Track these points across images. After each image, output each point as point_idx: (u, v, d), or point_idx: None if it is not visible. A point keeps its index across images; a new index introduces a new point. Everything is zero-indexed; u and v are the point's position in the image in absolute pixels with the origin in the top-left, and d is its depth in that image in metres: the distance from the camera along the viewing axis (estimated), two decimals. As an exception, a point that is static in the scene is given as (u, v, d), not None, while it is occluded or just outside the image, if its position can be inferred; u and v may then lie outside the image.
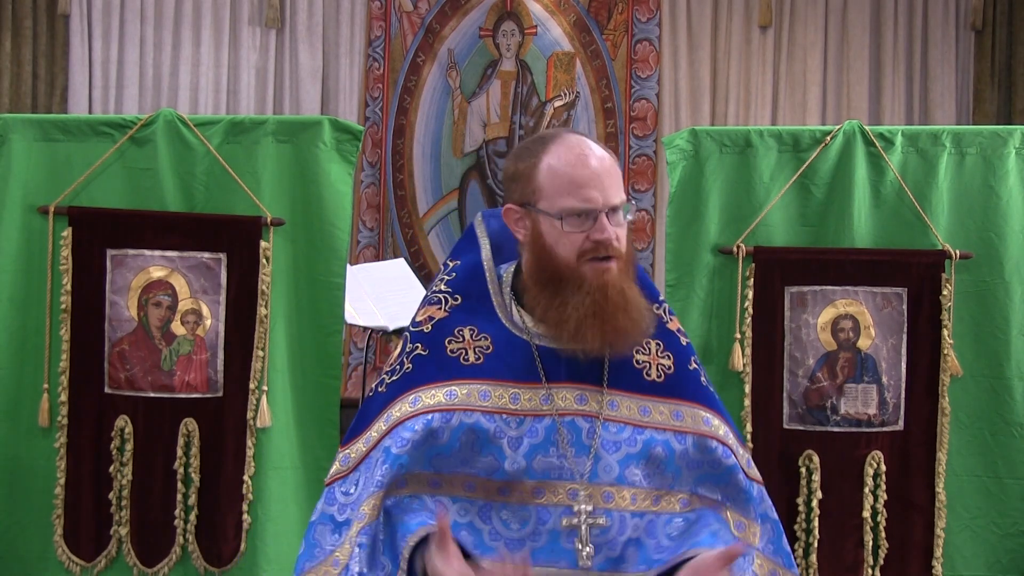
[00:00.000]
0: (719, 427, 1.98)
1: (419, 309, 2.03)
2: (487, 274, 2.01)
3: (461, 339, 1.95)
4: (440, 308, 1.99)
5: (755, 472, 2.04)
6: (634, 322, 1.90)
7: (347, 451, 2.00)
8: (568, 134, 1.94)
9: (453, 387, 1.91)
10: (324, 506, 1.96)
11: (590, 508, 1.87)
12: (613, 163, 1.91)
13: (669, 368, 1.98)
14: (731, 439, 2.00)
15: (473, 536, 1.88)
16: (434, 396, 1.91)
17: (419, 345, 1.97)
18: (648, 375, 1.96)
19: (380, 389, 1.99)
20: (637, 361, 1.96)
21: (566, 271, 1.88)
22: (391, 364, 2.01)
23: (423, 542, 1.84)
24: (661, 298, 2.05)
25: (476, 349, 1.94)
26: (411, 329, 2.00)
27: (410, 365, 1.96)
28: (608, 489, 1.90)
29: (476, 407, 1.89)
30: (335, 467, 2.00)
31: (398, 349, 2.03)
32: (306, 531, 1.96)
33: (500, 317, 1.97)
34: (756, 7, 6.86)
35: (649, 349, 1.98)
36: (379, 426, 1.94)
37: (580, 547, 1.86)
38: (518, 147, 2.04)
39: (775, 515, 2.04)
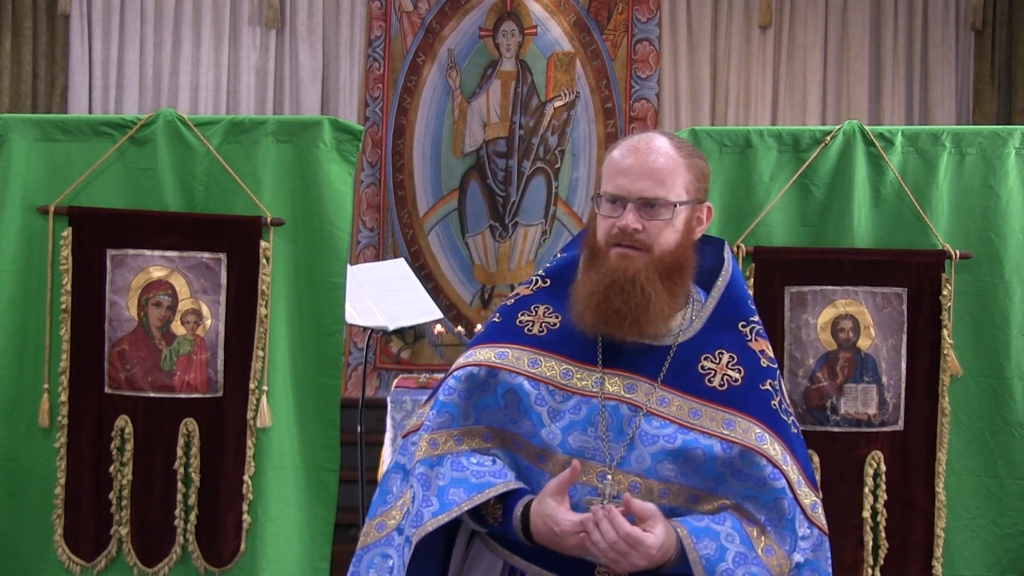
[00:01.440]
0: (773, 448, 1.95)
1: (514, 291, 2.18)
2: (580, 264, 2.08)
3: (534, 313, 2.07)
4: (529, 287, 2.12)
5: (819, 519, 1.99)
6: (633, 310, 1.93)
7: (423, 408, 2.13)
8: (648, 132, 2.04)
9: (506, 349, 2.02)
10: (398, 457, 2.09)
11: (615, 493, 1.91)
12: (670, 162, 1.97)
13: (736, 381, 1.99)
14: (789, 468, 1.96)
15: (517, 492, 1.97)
16: (486, 353, 2.03)
17: (497, 315, 2.11)
18: (710, 382, 1.98)
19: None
20: (702, 367, 1.99)
21: (598, 252, 1.99)
22: (476, 334, 2.17)
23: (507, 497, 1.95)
24: (754, 319, 2.06)
25: (543, 324, 2.05)
26: (500, 305, 2.15)
27: (482, 329, 2.11)
28: (636, 479, 1.93)
29: (522, 371, 1.99)
30: (411, 422, 2.14)
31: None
32: (380, 481, 2.10)
33: None
34: (756, 7, 6.86)
35: (720, 359, 2.00)
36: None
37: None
38: None
39: (829, 569, 1.99)
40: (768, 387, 2.01)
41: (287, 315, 3.46)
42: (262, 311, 3.41)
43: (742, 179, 3.44)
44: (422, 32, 6.80)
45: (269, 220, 3.42)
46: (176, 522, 3.41)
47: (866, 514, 3.37)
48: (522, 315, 2.06)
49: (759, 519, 1.93)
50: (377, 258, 6.72)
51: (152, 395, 3.41)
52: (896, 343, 3.38)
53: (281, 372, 3.46)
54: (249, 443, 3.41)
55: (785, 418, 2.01)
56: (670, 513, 1.92)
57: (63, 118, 3.63)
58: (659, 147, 1.98)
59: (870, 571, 3.36)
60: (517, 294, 2.11)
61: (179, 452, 3.40)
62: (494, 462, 1.99)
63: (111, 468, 3.40)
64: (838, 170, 3.42)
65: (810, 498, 1.99)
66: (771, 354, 2.06)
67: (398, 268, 5.05)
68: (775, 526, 1.93)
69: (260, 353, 3.41)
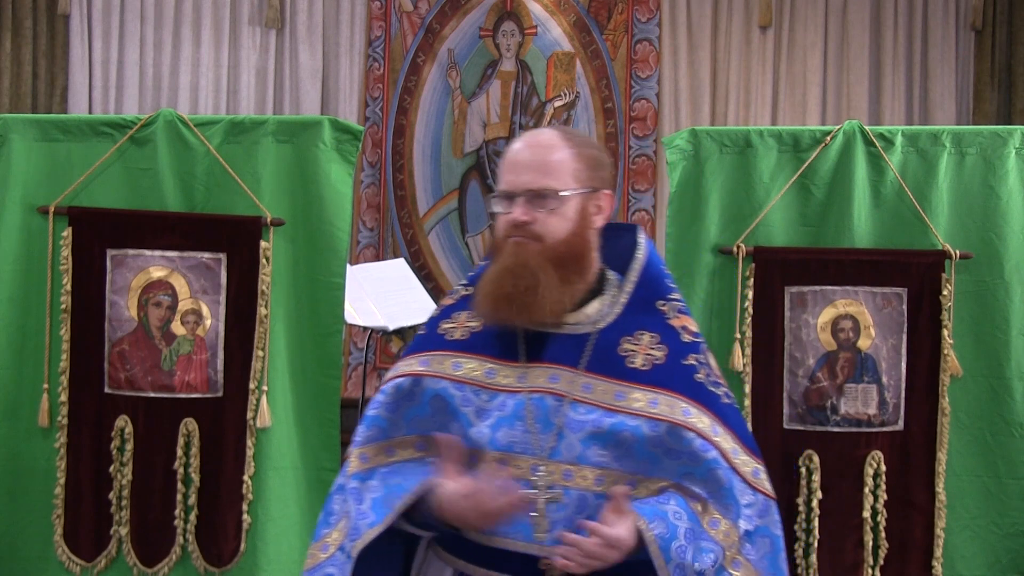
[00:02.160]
0: (700, 420, 1.97)
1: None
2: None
3: (456, 320, 2.09)
4: (451, 297, 2.16)
5: (762, 483, 2.01)
6: (522, 294, 1.96)
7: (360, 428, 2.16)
8: (539, 128, 2.11)
9: (428, 357, 2.06)
10: (340, 477, 2.11)
11: (549, 484, 1.93)
12: (554, 152, 2.01)
13: (659, 359, 2.00)
14: (721, 438, 1.98)
15: None
16: (410, 364, 2.07)
17: (424, 327, 2.14)
18: (631, 363, 2.00)
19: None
20: (623, 349, 2.01)
21: (498, 249, 2.03)
22: None
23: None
24: (673, 296, 2.08)
25: (464, 328, 2.07)
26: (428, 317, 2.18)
27: (411, 343, 2.14)
28: (568, 467, 1.94)
29: (446, 375, 2.02)
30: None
31: None
32: (325, 503, 2.12)
33: None
34: (756, 7, 6.86)
35: (641, 340, 2.02)
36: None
37: (537, 521, 1.92)
38: None
39: (779, 532, 2.02)
40: (692, 361, 2.03)
41: (287, 315, 3.46)
42: (262, 311, 3.41)
43: (742, 179, 3.44)
44: (422, 32, 6.80)
45: (269, 220, 3.42)
46: (176, 522, 3.41)
47: (866, 514, 3.37)
48: (444, 323, 2.10)
49: (699, 493, 1.95)
50: (377, 258, 6.72)
51: (152, 395, 3.41)
52: (896, 343, 3.38)
53: (281, 372, 3.46)
54: (249, 443, 3.41)
55: (713, 390, 2.02)
56: (600, 500, 1.94)
57: (63, 118, 3.63)
58: (544, 140, 2.03)
59: (870, 571, 3.36)
60: (442, 305, 2.15)
61: (179, 452, 3.40)
62: (426, 471, 2.00)
63: (111, 468, 3.40)
64: (838, 170, 3.42)
65: (750, 465, 2.00)
66: (694, 328, 2.07)
67: (398, 268, 5.05)
68: (715, 497, 1.95)
69: (260, 353, 3.41)
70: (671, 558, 1.88)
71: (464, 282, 2.16)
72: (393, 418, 2.05)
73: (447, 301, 2.15)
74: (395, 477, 2.01)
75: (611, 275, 2.09)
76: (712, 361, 2.07)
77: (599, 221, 2.06)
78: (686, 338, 2.05)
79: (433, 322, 2.12)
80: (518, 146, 2.04)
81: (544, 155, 2.00)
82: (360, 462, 2.05)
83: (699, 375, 2.02)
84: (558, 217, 1.99)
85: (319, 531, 2.07)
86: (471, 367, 2.02)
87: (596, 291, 2.06)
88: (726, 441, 1.98)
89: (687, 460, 1.95)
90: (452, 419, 2.00)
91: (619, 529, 1.86)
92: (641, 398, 1.97)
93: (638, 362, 2.00)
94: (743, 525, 1.95)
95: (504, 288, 1.97)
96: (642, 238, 2.13)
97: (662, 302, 2.07)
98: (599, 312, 2.04)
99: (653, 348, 2.01)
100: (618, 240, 2.11)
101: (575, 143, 2.04)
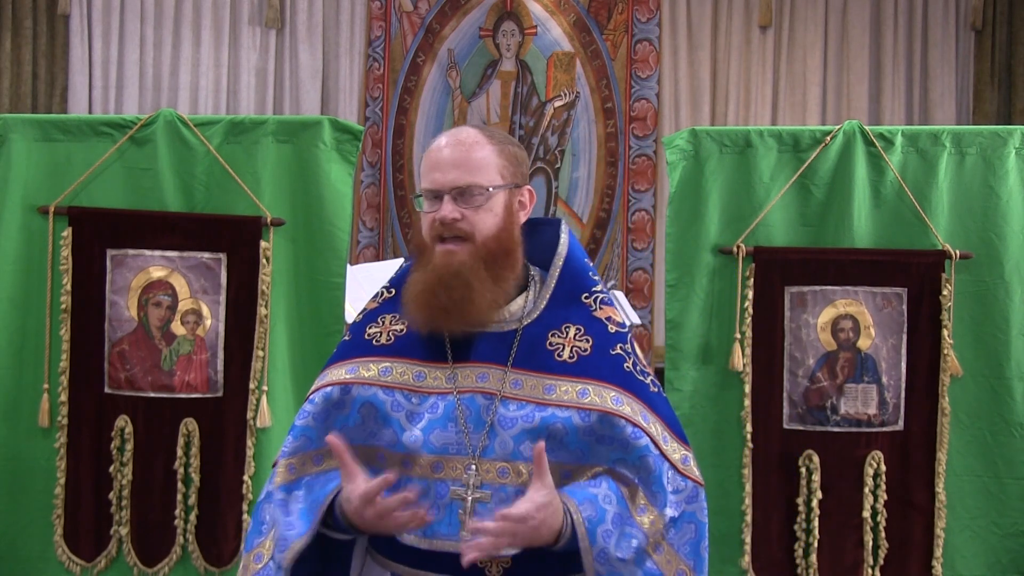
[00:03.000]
0: (631, 408, 1.98)
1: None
2: (412, 266, 2.11)
3: (380, 324, 2.08)
4: (375, 300, 2.14)
5: (692, 470, 2.03)
6: (457, 304, 1.97)
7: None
8: (458, 127, 2.08)
9: (356, 363, 2.04)
10: (268, 485, 2.09)
11: (479, 483, 1.93)
12: (478, 148, 2.02)
13: (585, 351, 2.02)
14: (651, 425, 1.99)
15: None
16: (338, 372, 2.05)
17: (348, 333, 2.13)
18: (559, 356, 2.01)
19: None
20: (550, 343, 2.02)
21: (425, 251, 2.03)
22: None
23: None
24: (596, 289, 2.10)
25: (390, 332, 2.06)
26: (352, 322, 2.15)
27: (336, 350, 2.12)
28: (503, 465, 1.95)
29: (375, 382, 2.01)
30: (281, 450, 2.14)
31: None
32: (253, 512, 2.10)
33: None
34: (756, 7, 6.86)
35: (567, 333, 2.03)
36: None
37: (464, 521, 1.92)
38: None
39: (705, 519, 2.03)
40: (619, 351, 2.04)
41: (287, 315, 3.46)
42: (262, 311, 3.41)
43: (742, 179, 3.44)
44: (422, 32, 6.80)
45: (269, 220, 3.42)
46: (176, 522, 3.41)
47: (866, 514, 3.37)
48: (370, 328, 2.09)
49: (630, 478, 1.97)
50: (377, 258, 6.72)
51: (152, 395, 3.41)
52: (896, 343, 3.38)
53: (281, 372, 3.46)
54: (249, 443, 3.41)
55: (641, 378, 2.04)
56: None
57: (63, 118, 3.62)
58: (466, 137, 2.03)
59: (870, 571, 3.36)
60: (365, 309, 2.13)
61: (179, 452, 3.40)
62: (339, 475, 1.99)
63: (111, 468, 3.40)
64: (838, 170, 3.42)
65: (679, 452, 2.02)
66: (619, 319, 2.08)
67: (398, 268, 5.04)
68: (645, 484, 1.97)
69: (260, 353, 3.41)
70: (596, 542, 1.89)
71: (386, 284, 2.15)
72: (322, 428, 2.02)
73: (371, 305, 2.13)
74: (319, 486, 2.00)
75: (534, 271, 2.11)
76: (638, 351, 2.09)
77: (523, 216, 2.08)
78: (612, 329, 2.06)
79: (358, 327, 2.11)
80: (441, 144, 2.03)
81: (469, 152, 2.01)
82: (288, 472, 2.03)
83: (627, 364, 2.04)
84: (486, 213, 2.00)
85: (251, 540, 2.04)
86: (400, 371, 2.01)
87: (521, 287, 2.07)
88: (655, 429, 2.00)
89: (619, 447, 1.97)
90: (383, 425, 1.99)
91: (527, 502, 1.85)
92: (570, 389, 1.98)
93: (565, 355, 2.01)
94: (669, 512, 1.97)
95: (439, 299, 1.97)
96: (563, 233, 2.15)
97: (586, 295, 2.08)
98: (523, 308, 2.05)
99: (579, 340, 2.03)
100: (540, 235, 2.14)
101: (496, 140, 2.05)
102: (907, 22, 6.87)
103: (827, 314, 3.39)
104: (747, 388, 3.37)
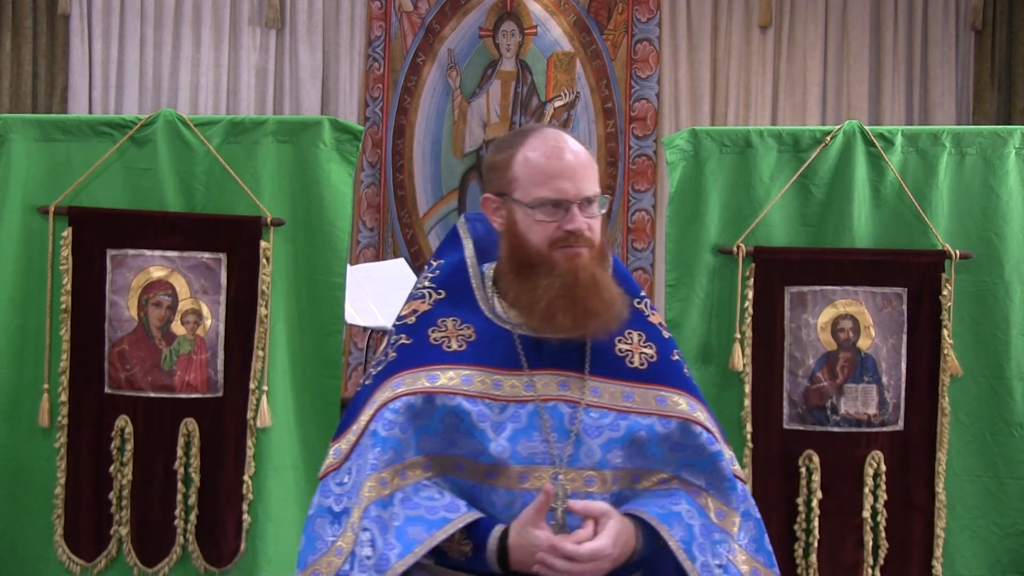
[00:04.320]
0: (702, 414, 2.02)
1: (404, 306, 2.09)
2: (470, 269, 2.07)
3: (444, 328, 2.01)
4: (424, 302, 2.05)
5: (739, 471, 2.07)
6: (606, 304, 1.95)
7: (338, 444, 2.03)
8: (546, 128, 2.02)
9: (435, 371, 1.96)
10: (320, 499, 1.98)
11: (568, 493, 1.91)
12: (589, 157, 2.00)
13: (652, 357, 2.03)
14: (715, 430, 2.04)
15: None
16: (416, 380, 1.95)
17: (403, 336, 2.03)
18: (631, 363, 2.01)
19: (366, 382, 2.04)
20: (620, 350, 2.02)
21: (537, 258, 1.96)
22: (376, 358, 2.07)
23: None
24: (642, 293, 2.12)
25: (459, 338, 2.00)
26: (396, 323, 2.07)
27: (394, 354, 2.02)
28: (590, 473, 1.94)
29: (458, 391, 1.94)
30: (327, 460, 2.03)
31: (383, 344, 2.09)
32: (304, 526, 1.97)
33: (483, 310, 2.03)
34: (756, 7, 6.86)
35: (632, 339, 2.03)
36: (366, 414, 1.98)
37: (555, 530, 1.88)
38: (498, 139, 2.13)
39: (758, 514, 2.07)
40: (677, 357, 2.08)
41: (287, 315, 3.46)
42: (262, 311, 3.41)
43: (742, 179, 3.44)
44: (422, 32, 6.80)
45: (269, 220, 3.42)
46: (176, 522, 3.41)
47: (866, 514, 3.37)
48: (432, 332, 2.01)
49: (700, 484, 1.99)
50: (377, 258, 6.72)
51: (152, 395, 3.41)
52: (896, 343, 3.38)
53: (281, 372, 3.46)
54: (249, 443, 3.41)
55: (695, 384, 2.08)
56: (615, 499, 1.94)
57: (63, 118, 3.63)
58: (575, 145, 2.00)
59: (870, 571, 3.36)
60: (415, 310, 2.04)
61: (179, 452, 3.40)
62: (442, 495, 1.93)
63: (111, 468, 3.40)
64: (838, 170, 3.42)
65: (729, 453, 2.05)
66: (665, 324, 2.12)
67: (398, 268, 5.05)
68: (717, 488, 1.99)
69: (260, 353, 3.41)
70: (695, 557, 1.91)
71: (428, 284, 2.07)
72: (406, 439, 1.93)
73: (420, 306, 2.04)
74: (415, 508, 1.90)
75: None
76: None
77: None
78: (665, 335, 2.09)
79: (415, 331, 2.02)
80: (556, 151, 1.97)
81: (588, 161, 1.99)
82: (380, 487, 1.90)
83: (685, 370, 2.07)
84: (599, 222, 2.00)
85: (304, 558, 1.94)
86: (480, 380, 1.95)
87: None
88: (717, 432, 2.04)
89: (691, 453, 1.98)
90: (467, 435, 1.93)
91: (598, 539, 1.85)
92: (648, 396, 1.99)
93: (636, 361, 2.01)
94: (741, 508, 2.02)
95: (591, 305, 1.94)
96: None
97: (637, 300, 2.08)
98: None
99: (644, 347, 2.04)
100: None
101: (585, 145, 2.05)
102: (907, 22, 6.86)
103: (827, 314, 3.39)
104: (747, 388, 3.37)
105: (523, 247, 1.97)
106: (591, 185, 1.97)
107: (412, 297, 2.08)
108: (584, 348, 2.00)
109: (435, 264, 2.12)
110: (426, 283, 2.08)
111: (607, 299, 1.96)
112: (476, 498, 1.94)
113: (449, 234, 2.16)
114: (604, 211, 1.99)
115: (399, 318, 2.07)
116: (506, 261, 2.03)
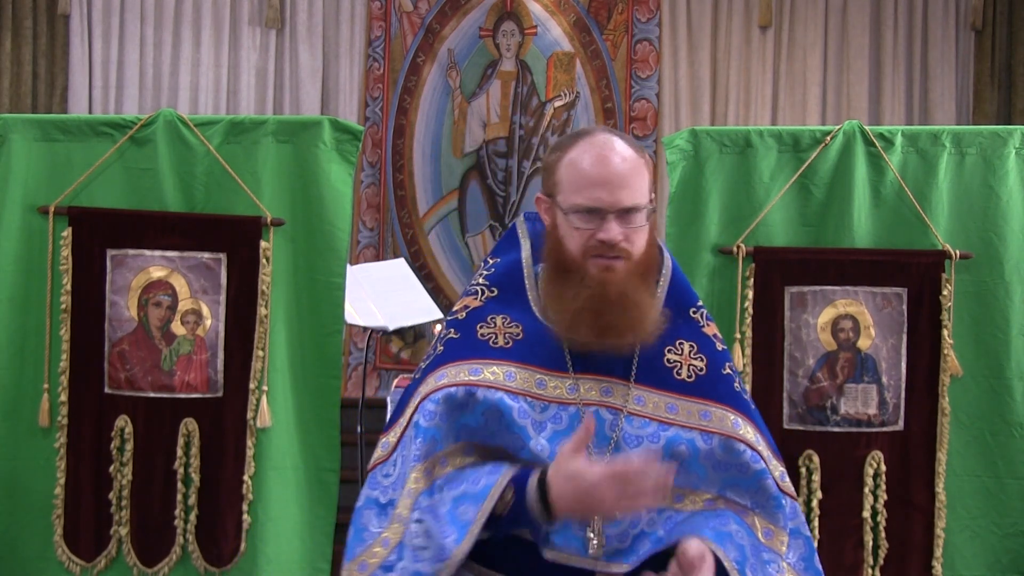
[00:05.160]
0: (748, 432, 1.97)
1: (457, 302, 2.10)
2: (524, 270, 2.05)
3: (492, 325, 1.99)
4: (476, 298, 2.05)
5: (789, 486, 2.01)
6: (631, 321, 1.92)
7: (386, 437, 2.03)
8: (600, 132, 1.97)
9: (478, 365, 1.95)
10: (368, 491, 1.98)
11: (623, 424, 1.90)
12: (636, 166, 1.93)
13: (701, 370, 1.99)
14: (762, 447, 1.99)
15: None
16: (459, 372, 1.95)
17: (452, 330, 2.03)
18: (678, 374, 1.98)
19: (416, 376, 2.05)
20: (668, 360, 1.98)
21: (572, 264, 1.93)
22: (426, 352, 2.08)
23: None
24: (700, 303, 2.06)
25: (506, 335, 1.98)
26: (447, 318, 2.07)
27: (441, 348, 2.02)
28: None
29: (500, 386, 1.92)
30: (376, 453, 2.03)
31: (435, 339, 2.09)
32: (352, 518, 1.98)
33: (534, 310, 2.01)
34: (756, 7, 6.86)
35: (682, 350, 1.99)
36: (411, 406, 1.98)
37: (591, 536, 1.87)
38: (557, 139, 2.08)
39: (808, 532, 2.02)
40: (728, 371, 2.02)
41: (287, 315, 3.46)
42: (262, 311, 3.41)
43: (742, 179, 3.44)
44: (422, 32, 6.80)
45: (269, 220, 3.42)
46: (176, 522, 3.41)
47: (866, 514, 3.37)
48: (481, 328, 2.00)
49: (747, 505, 1.95)
50: (377, 258, 6.72)
51: (152, 395, 3.41)
52: (896, 343, 3.38)
53: (281, 372, 3.46)
54: (249, 443, 3.41)
55: (747, 398, 2.02)
56: (658, 517, 1.91)
57: (63, 118, 3.63)
58: (623, 151, 1.93)
59: (870, 571, 3.36)
60: (466, 306, 2.04)
61: (179, 452, 3.40)
62: (483, 464, 1.92)
63: (111, 468, 3.40)
64: (838, 170, 3.42)
65: (779, 469, 2.00)
66: (721, 336, 2.06)
67: (398, 268, 5.05)
68: (763, 507, 1.95)
69: (260, 353, 3.41)
70: None
71: (483, 281, 2.07)
72: (446, 428, 1.93)
73: (472, 302, 2.04)
74: (457, 487, 1.89)
75: None
76: (736, 367, 2.07)
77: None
78: (719, 347, 2.03)
79: (465, 326, 2.01)
80: (599, 158, 1.93)
81: (632, 169, 1.93)
82: (425, 477, 1.90)
83: (736, 384, 2.02)
84: (641, 231, 1.94)
85: (352, 549, 1.92)
86: (523, 377, 1.94)
87: None
88: (765, 450, 1.99)
89: (735, 472, 1.94)
90: (506, 431, 1.91)
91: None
92: (692, 410, 1.95)
93: (684, 373, 1.98)
94: (790, 525, 1.97)
95: (613, 321, 1.91)
96: (662, 243, 2.09)
97: (694, 310, 2.04)
98: None
99: (694, 358, 1.99)
100: None
101: (639, 150, 1.97)
102: (907, 22, 6.87)
103: (827, 314, 3.39)
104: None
105: (560, 252, 1.96)
106: (632, 195, 1.91)
107: (465, 293, 2.08)
108: (632, 355, 1.97)
109: (491, 262, 2.11)
110: (480, 280, 2.08)
111: (634, 317, 1.92)
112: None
113: (508, 232, 2.15)
114: (644, 224, 1.93)
115: (450, 313, 2.08)
116: (546, 262, 2.02)
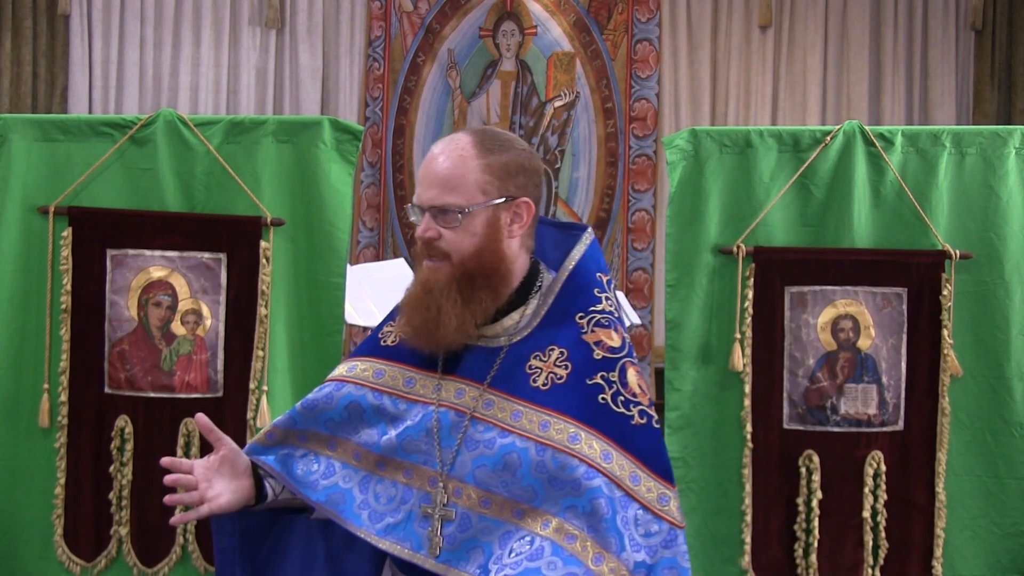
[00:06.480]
0: (590, 447, 1.86)
1: None
2: None
3: (392, 324, 2.10)
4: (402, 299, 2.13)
5: (672, 512, 1.87)
6: (426, 324, 1.95)
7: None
8: (458, 132, 2.02)
9: (356, 362, 2.08)
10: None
11: (445, 501, 1.91)
12: (458, 165, 1.93)
13: (561, 378, 1.91)
14: (613, 464, 1.86)
15: (346, 502, 2.00)
16: (342, 368, 2.10)
17: (371, 330, 2.17)
18: (534, 382, 1.92)
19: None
20: (530, 366, 1.94)
21: (417, 264, 2.04)
22: None
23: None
24: (596, 308, 1.97)
25: (396, 334, 2.07)
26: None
27: (360, 344, 2.16)
28: (458, 485, 1.91)
29: (367, 383, 2.03)
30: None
31: None
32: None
33: None
34: (756, 7, 6.86)
35: (549, 357, 1.93)
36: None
37: (431, 535, 1.90)
38: None
39: (687, 563, 1.87)
40: (598, 380, 1.90)
41: (287, 315, 3.46)
42: (262, 311, 3.41)
43: (742, 179, 3.44)
44: (422, 32, 6.80)
45: (269, 220, 3.42)
46: (176, 522, 3.41)
47: (866, 514, 3.37)
48: (387, 327, 2.10)
49: (581, 529, 1.82)
50: (377, 258, 6.72)
51: (152, 395, 3.41)
52: (896, 343, 3.38)
53: (281, 372, 3.46)
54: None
55: (622, 410, 1.89)
56: (494, 527, 1.87)
57: (63, 118, 3.62)
58: (451, 150, 1.93)
59: (870, 571, 3.36)
60: (396, 307, 2.11)
61: (179, 452, 3.40)
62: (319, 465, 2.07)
63: (111, 468, 3.40)
64: (838, 170, 3.42)
65: (655, 491, 1.87)
66: (612, 343, 1.93)
67: (398, 268, 5.05)
68: (595, 531, 1.82)
69: (260, 353, 3.41)
70: None
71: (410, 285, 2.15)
72: (308, 415, 2.07)
73: (400, 302, 2.10)
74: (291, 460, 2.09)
75: (547, 281, 2.02)
76: (632, 378, 1.92)
77: (517, 230, 1.96)
78: (598, 355, 1.92)
79: (380, 324, 2.14)
80: (431, 154, 1.97)
81: (451, 169, 1.92)
82: (267, 439, 2.09)
83: (603, 395, 1.89)
84: (463, 232, 1.92)
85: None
86: (393, 375, 2.02)
87: (521, 299, 1.99)
88: (623, 468, 1.86)
89: (570, 490, 1.84)
90: (368, 425, 2.00)
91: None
92: (534, 419, 1.89)
93: (540, 381, 1.92)
94: (637, 557, 1.82)
95: (414, 319, 1.97)
96: (581, 242, 2.03)
97: (581, 314, 1.96)
98: (517, 324, 1.97)
99: (558, 366, 1.92)
100: (566, 243, 2.04)
101: (487, 151, 1.93)
102: (907, 22, 6.87)
103: (827, 314, 3.39)
104: (747, 388, 3.37)
105: (415, 249, 2.07)
106: (443, 195, 1.91)
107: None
108: (496, 359, 1.96)
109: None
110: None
111: (428, 320, 1.94)
112: (365, 487, 1.99)
113: None
114: (458, 225, 1.91)
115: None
116: None
